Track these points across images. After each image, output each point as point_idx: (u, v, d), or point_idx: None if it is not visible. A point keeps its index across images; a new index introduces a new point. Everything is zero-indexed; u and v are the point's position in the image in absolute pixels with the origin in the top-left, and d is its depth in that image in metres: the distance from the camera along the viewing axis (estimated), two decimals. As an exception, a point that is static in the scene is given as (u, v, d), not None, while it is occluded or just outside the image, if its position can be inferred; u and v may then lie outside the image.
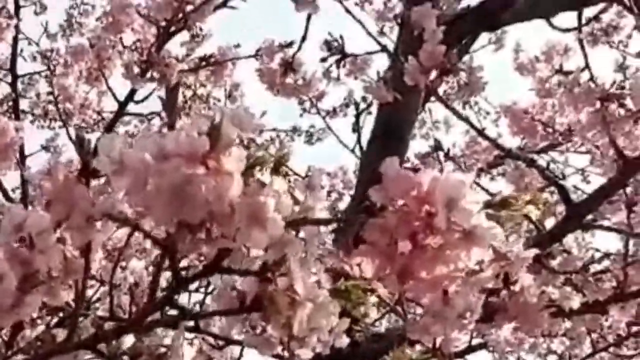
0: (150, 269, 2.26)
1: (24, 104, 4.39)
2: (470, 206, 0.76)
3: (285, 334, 0.87)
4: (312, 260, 0.94)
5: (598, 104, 2.10)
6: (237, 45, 3.43)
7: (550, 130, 4.01)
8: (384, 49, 2.59)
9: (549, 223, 2.93)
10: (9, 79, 4.07)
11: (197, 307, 3.07)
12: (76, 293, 0.99)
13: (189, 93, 4.25)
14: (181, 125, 0.81)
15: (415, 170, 0.78)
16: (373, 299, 1.00)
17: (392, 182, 0.77)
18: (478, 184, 3.64)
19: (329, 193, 4.92)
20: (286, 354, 0.95)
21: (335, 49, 2.58)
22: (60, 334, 1.29)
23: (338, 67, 2.66)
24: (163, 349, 1.05)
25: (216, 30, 3.27)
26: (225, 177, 0.72)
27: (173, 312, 1.03)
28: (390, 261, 0.77)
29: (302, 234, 0.97)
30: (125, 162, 0.76)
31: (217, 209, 0.73)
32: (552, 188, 4.01)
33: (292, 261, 0.84)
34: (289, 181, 0.85)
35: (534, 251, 0.92)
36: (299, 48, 2.85)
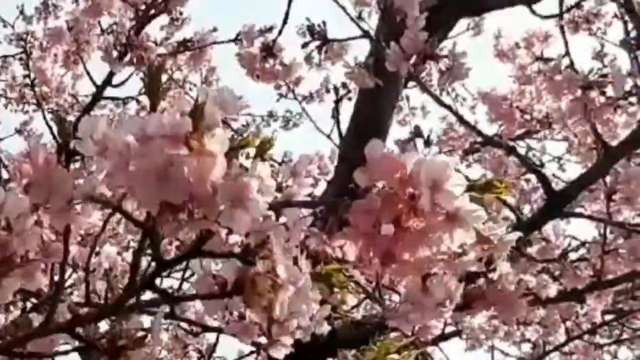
0: (124, 254, 2.25)
1: (-3, 87, 4.36)
2: (454, 188, 0.76)
3: (265, 318, 0.86)
4: (294, 244, 0.93)
5: (579, 92, 2.10)
6: (214, 30, 3.42)
7: (528, 117, 4.02)
8: (365, 34, 2.57)
9: (525, 210, 2.94)
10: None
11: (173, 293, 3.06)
12: (51, 277, 0.98)
13: (164, 77, 4.22)
14: (163, 107, 0.80)
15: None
16: (351, 285, 1.00)
17: (377, 164, 0.76)
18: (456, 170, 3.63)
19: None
20: (264, 340, 0.95)
21: (317, 34, 2.57)
22: (36, 319, 1.28)
23: (320, 52, 2.64)
24: (141, 333, 1.04)
25: (196, 12, 3.26)
26: (208, 158, 0.72)
27: (150, 296, 1.02)
28: (373, 243, 0.77)
29: (284, 219, 0.97)
30: (108, 143, 0.75)
31: (199, 190, 0.72)
32: (528, 175, 4.03)
33: (274, 244, 0.83)
34: (272, 166, 0.85)
35: (517, 234, 0.92)
36: (280, 33, 2.83)
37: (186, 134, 0.72)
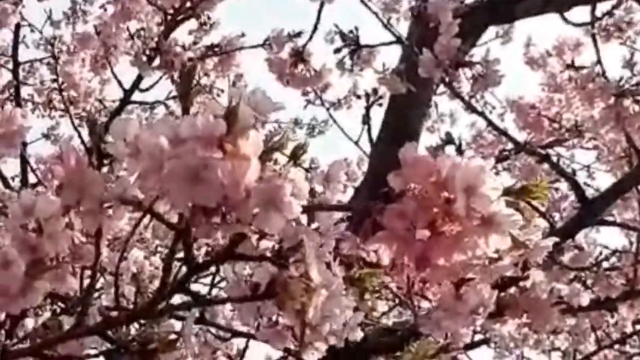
0: (152, 258, 2.25)
1: (24, 92, 4.37)
2: (490, 193, 0.75)
3: (298, 322, 0.86)
4: (327, 250, 0.93)
5: (612, 100, 2.09)
6: (242, 35, 3.42)
7: (556, 125, 4.00)
8: (398, 40, 2.57)
9: (555, 219, 2.92)
10: (11, 66, 4.06)
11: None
12: (81, 280, 0.98)
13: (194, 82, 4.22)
14: (197, 110, 0.79)
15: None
16: (383, 291, 1.00)
17: (411, 168, 0.76)
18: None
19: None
20: (296, 347, 0.95)
21: (349, 39, 2.56)
22: (66, 322, 1.28)
23: (352, 58, 2.64)
24: (173, 336, 1.04)
25: (224, 18, 3.26)
26: (242, 161, 0.71)
27: (181, 300, 1.02)
28: (408, 248, 0.76)
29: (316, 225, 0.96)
30: (140, 145, 0.75)
31: (233, 193, 0.71)
32: (557, 185, 4.01)
33: (307, 247, 0.82)
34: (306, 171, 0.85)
35: (553, 239, 0.91)
36: (310, 38, 2.82)
37: (220, 136, 0.71)
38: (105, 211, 0.87)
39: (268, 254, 0.89)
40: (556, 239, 0.93)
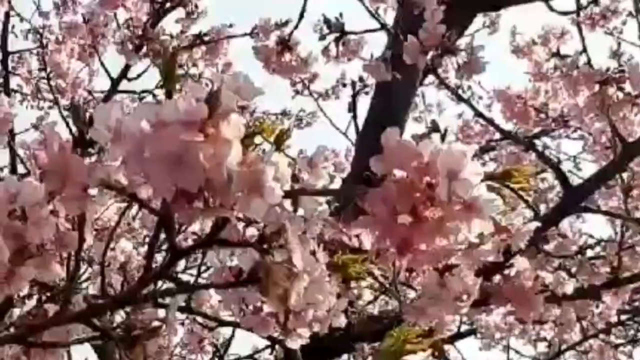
0: (140, 249, 2.25)
1: (13, 83, 4.36)
2: (472, 177, 0.75)
3: (281, 308, 0.86)
4: (310, 234, 0.93)
5: (597, 87, 2.09)
6: (230, 25, 3.42)
7: (543, 116, 4.00)
8: (383, 26, 2.57)
9: (541, 209, 2.92)
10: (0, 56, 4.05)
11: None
12: (67, 269, 0.98)
13: (181, 72, 4.23)
14: (179, 95, 0.79)
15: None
16: (368, 280, 1.00)
17: (393, 153, 0.76)
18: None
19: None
20: (280, 334, 0.95)
21: (334, 26, 2.57)
22: (52, 310, 1.28)
23: (337, 45, 2.64)
24: (157, 323, 1.04)
25: (211, 8, 3.26)
26: (224, 145, 0.71)
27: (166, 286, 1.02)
28: (389, 232, 0.76)
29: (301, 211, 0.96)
30: (122, 130, 0.75)
31: (215, 177, 0.71)
32: (543, 175, 4.02)
33: (290, 233, 0.83)
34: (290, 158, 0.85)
35: (535, 224, 0.91)
36: (296, 26, 2.83)
37: (202, 119, 0.71)
38: (88, 197, 0.87)
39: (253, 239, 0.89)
40: (538, 224, 0.93)
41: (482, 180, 0.76)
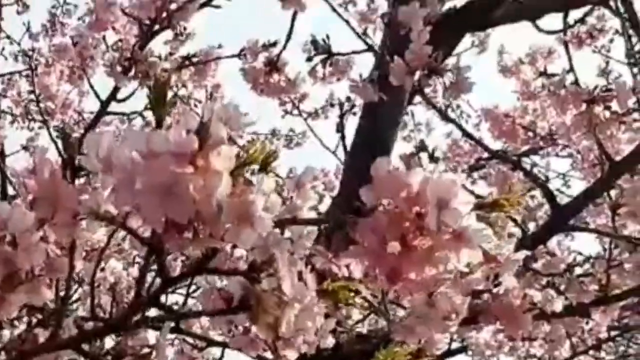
0: (130, 269, 2.25)
1: (4, 105, 4.37)
2: (461, 207, 0.75)
3: (271, 335, 0.86)
4: (299, 260, 0.93)
5: (584, 106, 2.10)
6: (220, 46, 3.43)
7: (531, 134, 4.02)
8: (370, 48, 2.58)
9: (530, 227, 2.93)
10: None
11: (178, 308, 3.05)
12: (57, 292, 0.98)
13: (170, 94, 4.21)
14: (170, 123, 0.79)
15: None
16: (357, 300, 1.00)
17: (382, 183, 0.76)
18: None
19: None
20: (270, 355, 0.95)
21: (321, 48, 2.58)
22: (42, 335, 1.28)
23: (324, 66, 2.65)
24: (147, 349, 1.04)
25: (200, 30, 3.26)
26: (214, 176, 0.71)
27: (156, 312, 1.02)
28: (379, 262, 0.77)
29: (288, 234, 0.97)
30: (113, 159, 0.75)
31: (205, 208, 0.72)
32: (533, 193, 4.03)
33: (280, 261, 0.83)
34: (277, 180, 0.85)
35: (523, 253, 0.91)
36: (284, 47, 2.84)
37: (192, 151, 0.71)
38: (78, 224, 0.87)
39: (242, 264, 0.89)
40: (527, 252, 0.93)
41: (471, 210, 0.76)
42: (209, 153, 0.72)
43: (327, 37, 2.59)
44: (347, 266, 0.80)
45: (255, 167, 0.84)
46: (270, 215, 0.75)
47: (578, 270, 2.69)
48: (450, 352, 3.36)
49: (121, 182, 0.73)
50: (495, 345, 3.09)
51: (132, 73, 2.57)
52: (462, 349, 3.40)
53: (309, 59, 2.63)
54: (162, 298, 0.94)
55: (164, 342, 1.02)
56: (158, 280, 0.89)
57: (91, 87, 3.41)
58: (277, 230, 0.93)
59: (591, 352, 3.78)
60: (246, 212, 0.74)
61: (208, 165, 0.72)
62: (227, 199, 0.72)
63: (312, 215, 1.04)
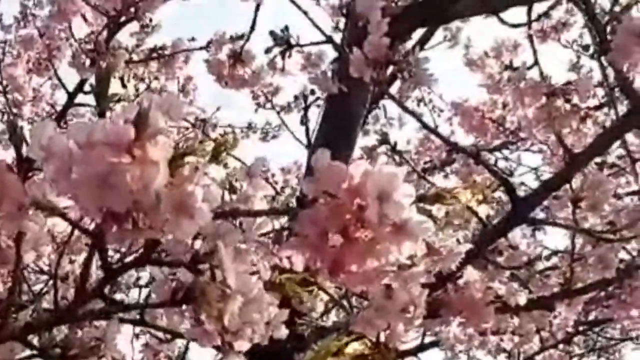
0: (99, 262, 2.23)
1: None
2: (402, 199, 0.75)
3: (218, 327, 0.85)
4: (248, 251, 0.93)
5: (544, 99, 2.10)
6: (192, 39, 3.42)
7: (501, 128, 4.03)
8: (329, 39, 2.57)
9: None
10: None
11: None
12: (14, 283, 0.97)
13: (142, 86, 4.22)
14: (115, 113, 0.79)
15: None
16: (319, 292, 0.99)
17: (324, 174, 0.75)
18: (431, 182, 3.64)
19: (282, 188, 4.91)
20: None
21: (280, 39, 2.57)
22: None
23: (283, 58, 2.65)
24: (97, 342, 1.03)
25: (168, 22, 3.26)
26: (151, 166, 0.71)
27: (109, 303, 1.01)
28: (320, 254, 0.76)
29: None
30: (52, 148, 0.74)
31: (142, 199, 0.71)
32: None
33: (223, 252, 0.82)
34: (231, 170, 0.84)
35: (467, 246, 0.91)
36: (248, 39, 2.84)
37: (128, 141, 0.71)
38: (25, 215, 0.86)
39: (186, 257, 0.88)
40: (470, 246, 0.93)
41: (413, 202, 0.76)
42: (146, 143, 0.71)
43: (286, 28, 2.59)
44: (289, 259, 0.79)
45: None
46: (210, 205, 0.75)
47: (546, 264, 2.70)
48: (423, 347, 3.36)
49: (59, 171, 0.73)
50: (465, 339, 3.10)
51: (96, 65, 2.55)
52: (435, 343, 3.41)
53: (268, 51, 2.63)
54: (135, 292, 0.94)
55: (114, 335, 1.01)
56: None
57: (58, 78, 3.40)
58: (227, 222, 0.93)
59: (561, 346, 3.80)
60: (184, 203, 0.73)
61: (145, 155, 0.71)
62: (165, 189, 0.72)
63: (264, 206, 1.04)
